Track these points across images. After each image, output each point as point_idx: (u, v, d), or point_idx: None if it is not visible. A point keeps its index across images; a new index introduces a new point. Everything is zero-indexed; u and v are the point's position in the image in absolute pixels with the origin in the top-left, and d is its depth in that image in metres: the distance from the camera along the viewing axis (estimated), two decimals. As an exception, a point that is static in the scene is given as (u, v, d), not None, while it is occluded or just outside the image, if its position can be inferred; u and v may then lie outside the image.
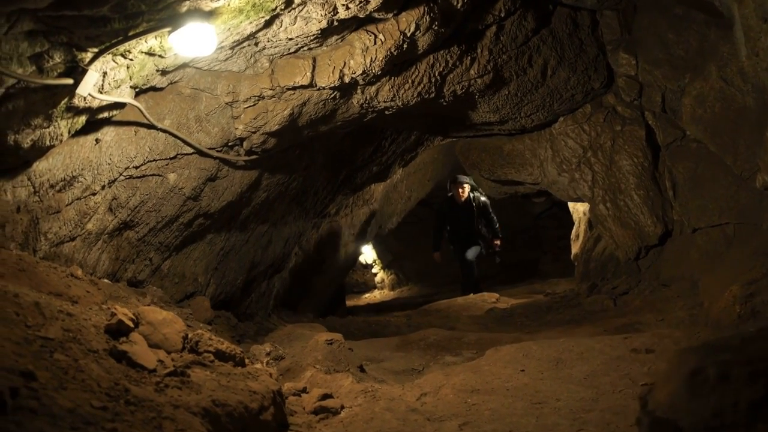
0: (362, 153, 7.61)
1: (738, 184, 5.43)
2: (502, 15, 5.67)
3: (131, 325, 3.19)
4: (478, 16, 5.56)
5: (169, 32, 3.50)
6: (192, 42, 3.56)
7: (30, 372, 2.26)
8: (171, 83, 4.66)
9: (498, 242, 10.32)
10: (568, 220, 15.93)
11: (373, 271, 20.11)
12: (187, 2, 3.30)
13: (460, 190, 9.89)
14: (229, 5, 3.57)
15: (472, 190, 10.01)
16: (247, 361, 3.54)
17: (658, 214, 6.43)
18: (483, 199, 10.08)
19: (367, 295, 19.33)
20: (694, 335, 4.22)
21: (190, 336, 3.38)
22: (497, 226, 10.26)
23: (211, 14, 3.55)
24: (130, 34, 3.36)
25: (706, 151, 5.83)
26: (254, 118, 5.12)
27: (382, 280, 19.53)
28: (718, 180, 5.68)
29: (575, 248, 9.34)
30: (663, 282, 6.25)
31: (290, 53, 4.92)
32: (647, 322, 5.40)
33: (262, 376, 3.37)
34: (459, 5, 5.14)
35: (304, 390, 3.91)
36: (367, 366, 4.92)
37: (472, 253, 10.59)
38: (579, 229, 9.44)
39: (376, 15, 4.72)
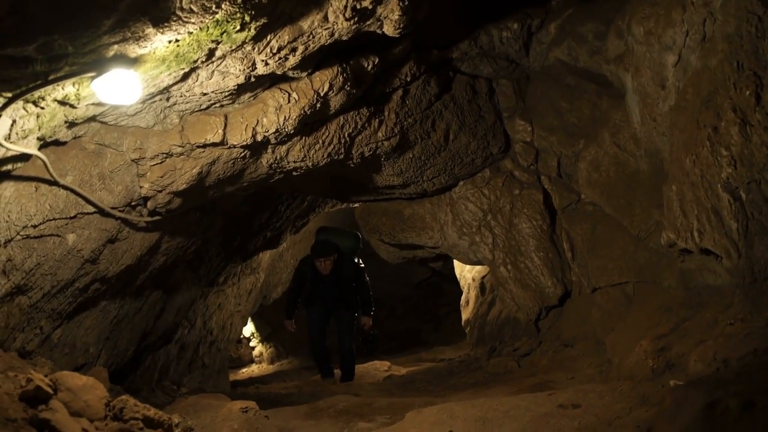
0: (259, 218, 7.46)
1: (636, 244, 5.67)
2: (408, 79, 5.79)
3: (50, 391, 2.90)
4: (386, 80, 5.65)
5: (92, 78, 3.30)
6: (116, 89, 3.38)
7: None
8: (75, 137, 4.41)
9: (369, 321, 7.98)
10: (447, 289, 16.20)
11: (251, 344, 19.53)
12: (115, 46, 3.14)
13: (323, 263, 7.50)
14: (154, 53, 3.43)
15: (346, 255, 7.80)
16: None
17: (558, 276, 6.62)
18: (359, 266, 7.98)
19: (244, 369, 18.68)
20: (616, 389, 4.29)
21: (113, 403, 3.11)
22: (370, 298, 8.00)
23: (135, 61, 3.39)
24: (51, 77, 3.15)
25: (602, 213, 6.09)
26: (161, 177, 4.91)
27: (261, 354, 18.96)
28: (615, 241, 5.91)
29: (466, 314, 9.45)
30: (565, 342, 6.38)
31: (201, 109, 4.78)
32: (558, 380, 5.46)
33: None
34: (369, 67, 5.20)
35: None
36: (283, 435, 4.69)
37: (345, 333, 8.07)
38: (469, 295, 9.57)
39: (291, 73, 4.70)
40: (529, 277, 6.80)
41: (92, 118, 4.28)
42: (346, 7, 4.09)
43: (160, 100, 4.40)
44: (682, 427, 1.77)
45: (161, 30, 3.18)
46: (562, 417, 4.07)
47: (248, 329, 18.96)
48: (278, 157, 5.47)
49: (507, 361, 6.72)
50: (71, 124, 4.09)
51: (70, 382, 3.03)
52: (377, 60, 5.22)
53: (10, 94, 3.16)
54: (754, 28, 3.97)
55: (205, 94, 4.47)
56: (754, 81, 3.99)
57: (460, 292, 11.21)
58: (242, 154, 5.17)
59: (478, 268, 9.21)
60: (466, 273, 9.96)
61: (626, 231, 5.75)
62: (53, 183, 4.26)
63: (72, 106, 3.72)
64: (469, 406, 4.52)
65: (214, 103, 4.72)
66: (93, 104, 3.91)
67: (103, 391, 3.12)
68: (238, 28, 3.60)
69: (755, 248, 4.21)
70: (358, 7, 4.15)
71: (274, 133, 4.98)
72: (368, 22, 4.46)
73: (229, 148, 5.01)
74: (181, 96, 4.42)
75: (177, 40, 3.38)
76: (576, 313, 6.49)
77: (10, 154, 3.66)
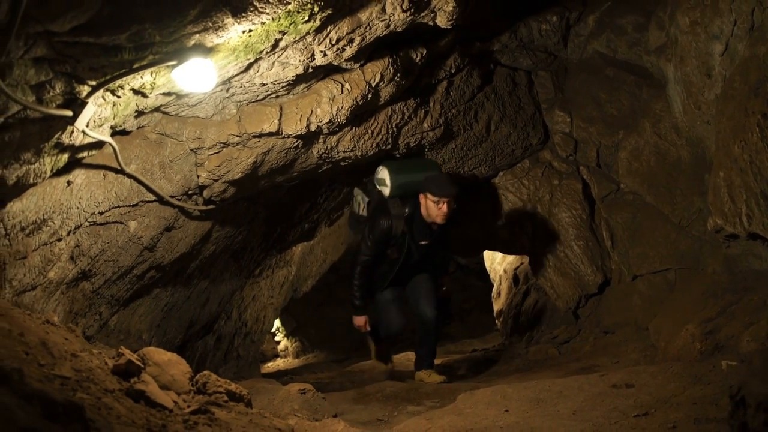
0: (300, 209, 7.58)
1: (677, 232, 5.76)
2: (453, 71, 5.90)
3: (140, 365, 3.03)
4: (432, 71, 5.76)
5: (173, 67, 3.44)
6: (194, 78, 3.51)
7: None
8: (139, 127, 4.55)
9: (445, 280, 6.49)
10: (472, 284, 16.30)
11: (276, 339, 19.70)
12: (197, 35, 3.27)
13: (442, 207, 5.38)
14: (227, 43, 3.56)
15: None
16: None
17: (597, 264, 6.71)
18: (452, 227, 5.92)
19: (269, 364, 18.87)
20: (668, 369, 4.37)
21: (196, 378, 3.24)
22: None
23: (210, 51, 3.52)
24: (135, 66, 3.28)
25: (643, 202, 6.17)
26: (218, 166, 5.04)
27: (286, 348, 19.13)
28: (656, 229, 6.00)
29: (498, 305, 9.54)
30: (605, 329, 6.47)
31: (258, 100, 4.91)
32: (603, 364, 5.55)
33: (272, 418, 3.26)
34: (418, 59, 5.32)
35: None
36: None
37: (427, 295, 5.98)
38: (501, 287, 9.66)
39: (345, 65, 4.82)
40: (569, 266, 6.90)
41: (157, 109, 4.42)
42: (403, -2, 4.21)
43: (221, 90, 4.53)
44: (776, 381, 1.88)
45: (238, 20, 3.31)
46: (616, 396, 4.16)
47: (274, 324, 19.14)
48: (329, 147, 5.60)
49: (547, 348, 6.82)
50: (139, 114, 4.23)
51: (156, 357, 3.16)
52: (425, 52, 5.33)
53: (94, 83, 3.29)
54: (807, 16, 4.05)
55: (264, 85, 4.60)
56: (805, 68, 4.08)
57: (485, 287, 11.27)
58: (295, 144, 5.30)
59: (509, 259, 9.30)
60: (496, 265, 10.05)
61: (667, 219, 5.84)
62: (119, 171, 4.40)
63: (144, 96, 3.85)
64: (521, 388, 4.62)
65: (271, 94, 4.84)
66: (162, 94, 4.05)
67: (186, 366, 3.25)
68: (306, 18, 3.72)
69: (806, 231, 4.30)
70: (415, -2, 4.27)
71: (327, 123, 5.11)
72: (423, 14, 4.57)
73: (284, 137, 5.13)
74: (240, 87, 4.55)
75: (250, 31, 3.51)
76: (616, 301, 6.57)
77: (86, 141, 3.80)
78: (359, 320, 6.02)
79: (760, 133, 4.41)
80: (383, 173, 5.68)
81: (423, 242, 5.70)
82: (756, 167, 4.50)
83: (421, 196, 5.43)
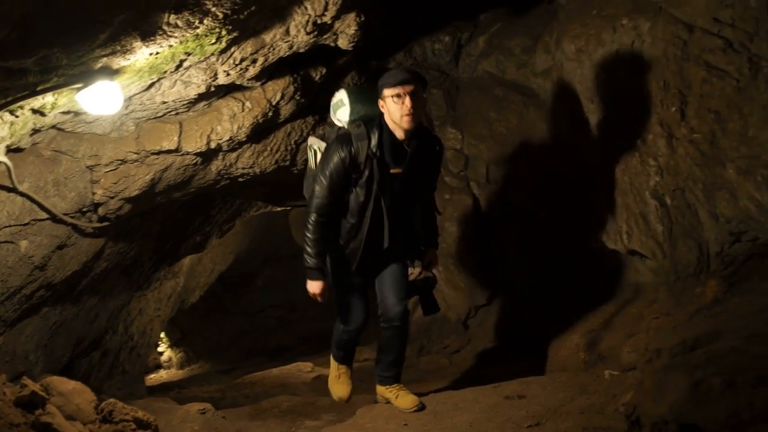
0: (193, 222, 7.50)
1: (563, 246, 6.05)
2: (350, 88, 6.01)
3: (45, 395, 2.97)
4: (331, 89, 5.81)
5: (79, 89, 3.38)
6: (100, 100, 3.46)
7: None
8: (33, 144, 4.42)
9: (436, 256, 4.66)
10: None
11: (159, 349, 19.22)
12: (104, 59, 3.23)
13: (408, 98, 3.92)
14: (134, 65, 3.53)
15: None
16: (161, 429, 3.39)
17: (488, 276, 6.96)
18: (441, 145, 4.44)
19: (152, 375, 18.37)
20: (556, 380, 4.62)
21: (101, 406, 3.20)
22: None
23: (116, 72, 3.48)
24: (39, 88, 3.21)
25: (531, 217, 6.45)
26: (115, 183, 4.95)
27: (170, 359, 18.70)
28: (543, 243, 6.29)
29: (388, 314, 9.67)
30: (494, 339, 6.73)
31: (157, 117, 4.86)
32: (494, 374, 5.73)
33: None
34: (318, 77, 5.41)
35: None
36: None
37: (393, 291, 4.48)
38: (391, 296, 9.80)
39: (248, 83, 4.83)
40: (460, 278, 7.12)
41: (53, 126, 4.31)
42: (307, 22, 4.27)
43: (120, 107, 4.45)
44: (670, 404, 2.07)
45: (147, 43, 3.29)
46: (510, 407, 4.35)
47: (156, 334, 18.66)
48: (228, 164, 5.58)
49: (438, 359, 7.01)
50: (35, 132, 4.11)
51: (60, 387, 3.11)
52: (325, 70, 5.43)
53: (-5, 104, 3.20)
54: (680, 51, 4.39)
55: (164, 103, 4.56)
56: (679, 98, 4.41)
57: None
58: (194, 161, 5.26)
59: (400, 270, 9.45)
60: (386, 275, 10.19)
61: (554, 233, 6.13)
62: (12, 190, 4.26)
63: (43, 115, 3.76)
64: (419, 401, 4.76)
65: (171, 111, 4.80)
66: (60, 113, 3.96)
67: (91, 394, 3.21)
68: (214, 41, 3.74)
69: (678, 249, 4.65)
70: (319, 22, 4.34)
71: (228, 140, 5.11)
72: (325, 36, 4.66)
73: (183, 155, 5.09)
74: (140, 104, 4.50)
75: (157, 53, 3.49)
76: (505, 311, 6.84)
77: (-19, 161, 3.67)
78: (314, 286, 4.29)
79: (639, 158, 4.76)
80: (341, 94, 4.37)
81: (396, 170, 4.14)
82: (635, 189, 4.85)
83: (380, 102, 4.07)
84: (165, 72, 3.98)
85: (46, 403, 2.96)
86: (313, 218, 4.17)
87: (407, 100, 3.92)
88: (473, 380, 5.77)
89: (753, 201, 4.00)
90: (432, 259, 4.58)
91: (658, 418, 2.09)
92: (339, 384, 5.08)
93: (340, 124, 4.30)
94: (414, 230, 4.44)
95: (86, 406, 3.12)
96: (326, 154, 4.18)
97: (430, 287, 4.60)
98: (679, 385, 2.08)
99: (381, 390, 4.87)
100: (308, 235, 4.24)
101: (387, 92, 3.98)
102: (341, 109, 4.31)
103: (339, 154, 4.05)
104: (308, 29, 4.34)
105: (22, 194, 4.35)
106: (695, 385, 2.02)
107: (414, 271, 4.56)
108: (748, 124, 3.98)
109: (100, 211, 5.13)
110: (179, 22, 3.28)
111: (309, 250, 4.25)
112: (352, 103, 4.25)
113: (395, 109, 3.96)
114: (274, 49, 4.44)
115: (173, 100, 4.54)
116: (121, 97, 3.66)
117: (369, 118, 4.17)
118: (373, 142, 4.05)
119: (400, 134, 4.04)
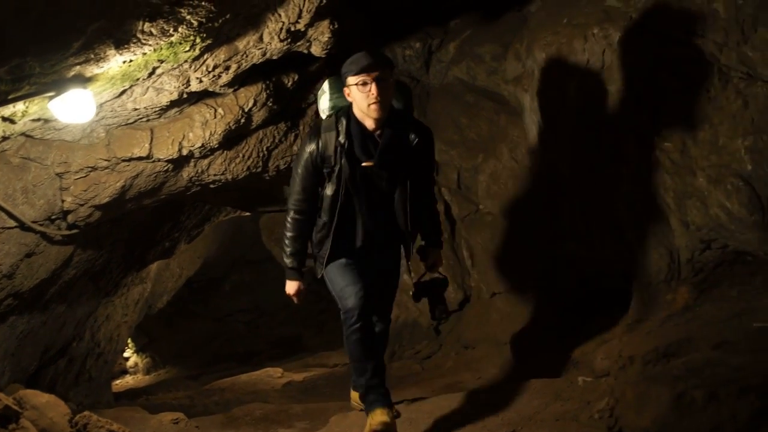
0: (163, 228, 7.43)
1: (533, 252, 6.09)
2: (322, 95, 6.00)
3: (18, 409, 2.91)
4: (303, 95, 5.85)
5: (51, 97, 3.32)
6: (72, 108, 3.41)
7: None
8: (1, 151, 4.35)
9: (440, 257, 4.35)
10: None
11: (125, 355, 18.99)
12: (77, 67, 3.19)
13: (373, 85, 3.63)
14: (107, 73, 3.48)
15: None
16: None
17: (458, 282, 6.98)
18: (429, 133, 4.06)
19: (118, 381, 18.14)
20: (531, 386, 4.62)
21: (75, 419, 3.14)
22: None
23: (89, 80, 3.44)
24: (10, 97, 3.15)
25: (501, 223, 6.49)
26: (85, 190, 4.88)
27: (136, 364, 18.49)
28: (513, 248, 6.33)
29: (359, 319, 9.65)
30: (465, 344, 6.74)
31: (128, 124, 4.80)
32: (467, 381, 5.78)
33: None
34: (290, 84, 5.39)
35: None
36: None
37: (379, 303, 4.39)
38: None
39: (219, 90, 4.80)
40: (431, 284, 7.13)
41: (22, 133, 4.24)
42: (281, 29, 4.26)
43: (90, 114, 4.40)
44: (653, 417, 2.09)
45: (121, 51, 3.25)
46: (484, 414, 4.34)
47: (122, 340, 18.43)
48: (199, 171, 5.54)
49: (410, 364, 7.01)
50: (3, 139, 4.05)
51: (34, 400, 3.05)
52: (297, 77, 5.41)
53: (-36, 112, 3.14)
54: (651, 61, 4.46)
55: (136, 110, 4.51)
56: (650, 108, 4.48)
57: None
58: (165, 168, 5.21)
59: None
60: (357, 279, 10.17)
61: (524, 239, 6.17)
62: (-21, 198, 4.19)
63: (12, 122, 3.70)
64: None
65: (142, 118, 4.75)
66: (30, 120, 3.89)
67: (65, 407, 3.16)
68: (188, 49, 3.71)
69: (649, 256, 4.71)
70: (293, 29, 4.33)
71: (200, 147, 5.07)
72: (299, 43, 4.65)
73: (154, 161, 5.04)
74: (111, 111, 4.45)
75: (131, 61, 3.45)
76: (476, 317, 6.85)
77: (-52, 170, 3.60)
78: (290, 286, 4.20)
79: (610, 165, 4.81)
80: (324, 84, 4.18)
81: (366, 163, 3.85)
82: (606, 196, 4.90)
83: (345, 90, 3.84)
84: (138, 79, 3.94)
85: (20, 417, 2.90)
86: (289, 215, 4.06)
87: (373, 87, 3.66)
88: (446, 387, 5.80)
89: (723, 209, 4.07)
90: (436, 259, 4.33)
91: (641, 431, 2.11)
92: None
93: (323, 115, 4.12)
94: (401, 229, 4.07)
95: (60, 419, 3.07)
96: (299, 149, 4.04)
97: (441, 290, 4.27)
98: (662, 397, 2.11)
99: (355, 396, 4.77)
100: (285, 233, 4.11)
101: (351, 80, 3.75)
102: (322, 98, 4.16)
103: (308, 147, 3.89)
104: (282, 36, 4.32)
105: (-10, 202, 4.28)
106: (677, 397, 2.05)
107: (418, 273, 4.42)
108: (718, 133, 4.05)
109: (70, 218, 5.06)
110: (154, 30, 3.25)
111: (286, 249, 4.12)
112: (331, 91, 4.09)
113: (361, 98, 3.72)
114: (247, 56, 4.41)
115: (145, 107, 4.49)
116: (93, 106, 3.61)
117: (348, 108, 3.91)
118: (341, 133, 3.83)
119: (369, 124, 3.81)
